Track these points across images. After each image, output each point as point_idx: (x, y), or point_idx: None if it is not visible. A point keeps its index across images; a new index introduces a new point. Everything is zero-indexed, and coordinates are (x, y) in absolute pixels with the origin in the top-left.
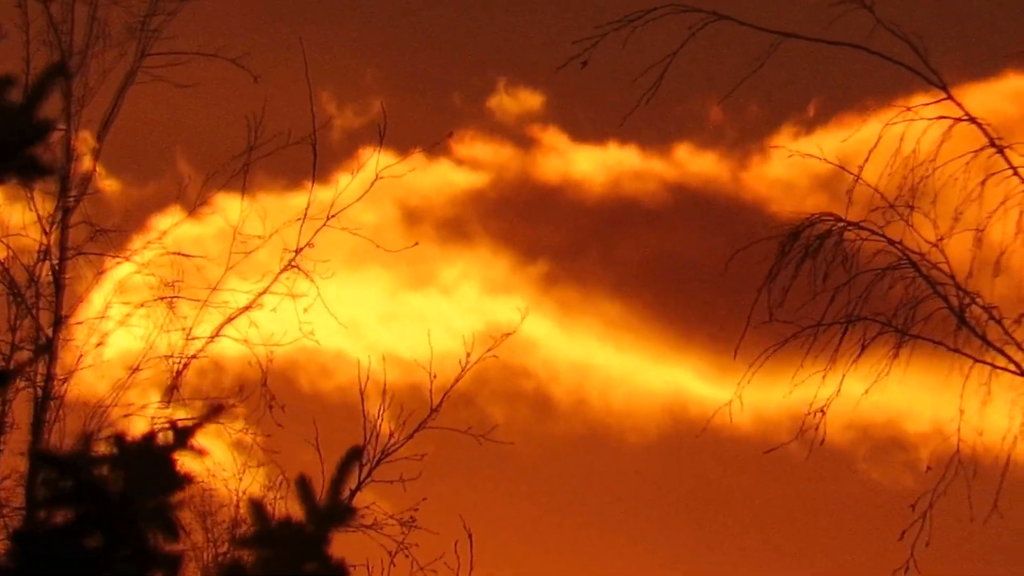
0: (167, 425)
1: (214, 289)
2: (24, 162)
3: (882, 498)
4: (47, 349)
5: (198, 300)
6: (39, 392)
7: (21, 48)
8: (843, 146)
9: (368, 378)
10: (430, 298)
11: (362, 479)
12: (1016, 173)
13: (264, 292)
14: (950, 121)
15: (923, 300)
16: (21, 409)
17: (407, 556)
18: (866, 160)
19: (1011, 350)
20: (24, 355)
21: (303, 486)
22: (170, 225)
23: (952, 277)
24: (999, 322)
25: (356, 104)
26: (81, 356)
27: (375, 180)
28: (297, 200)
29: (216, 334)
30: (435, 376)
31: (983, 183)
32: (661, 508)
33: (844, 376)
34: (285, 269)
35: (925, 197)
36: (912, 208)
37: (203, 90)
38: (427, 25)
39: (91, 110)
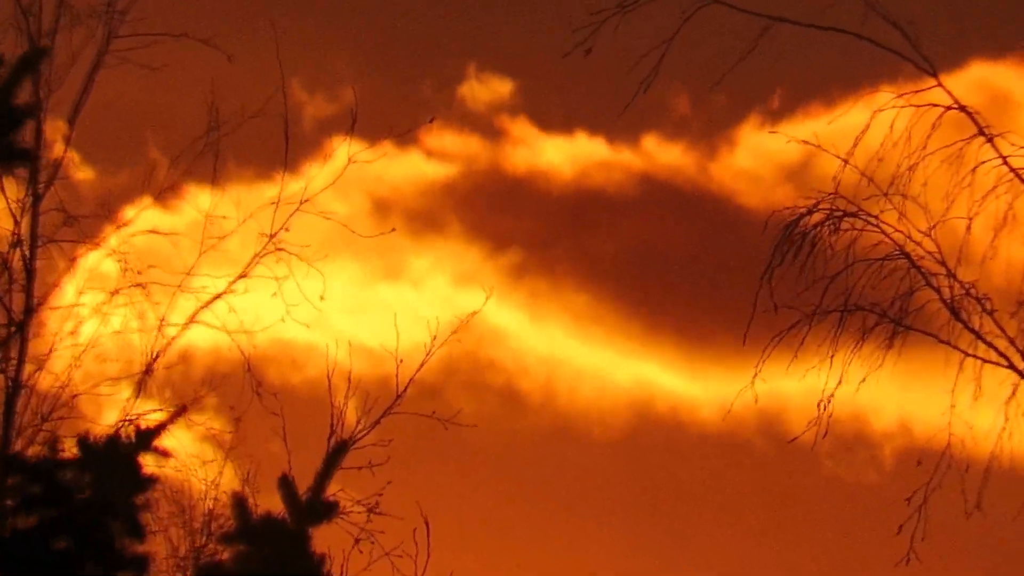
0: (133, 426)
1: (188, 274)
2: (12, 149)
3: (845, 492)
4: (18, 333)
5: (171, 286)
6: (9, 381)
7: None
8: (824, 133)
9: (335, 368)
10: (399, 288)
11: (326, 474)
12: (1005, 162)
13: (241, 276)
14: (940, 109)
15: (917, 291)
16: None
17: (372, 542)
18: (854, 146)
19: (1002, 344)
20: None
21: (286, 484)
22: (140, 210)
23: (945, 265)
24: (991, 315)
25: (326, 91)
26: (53, 344)
27: (347, 165)
28: (267, 189)
29: (191, 320)
30: (401, 361)
31: (973, 171)
32: (627, 501)
33: (847, 366)
34: (263, 253)
35: (914, 185)
36: (904, 196)
37: (173, 72)
38: (399, 12)
39: (60, 94)
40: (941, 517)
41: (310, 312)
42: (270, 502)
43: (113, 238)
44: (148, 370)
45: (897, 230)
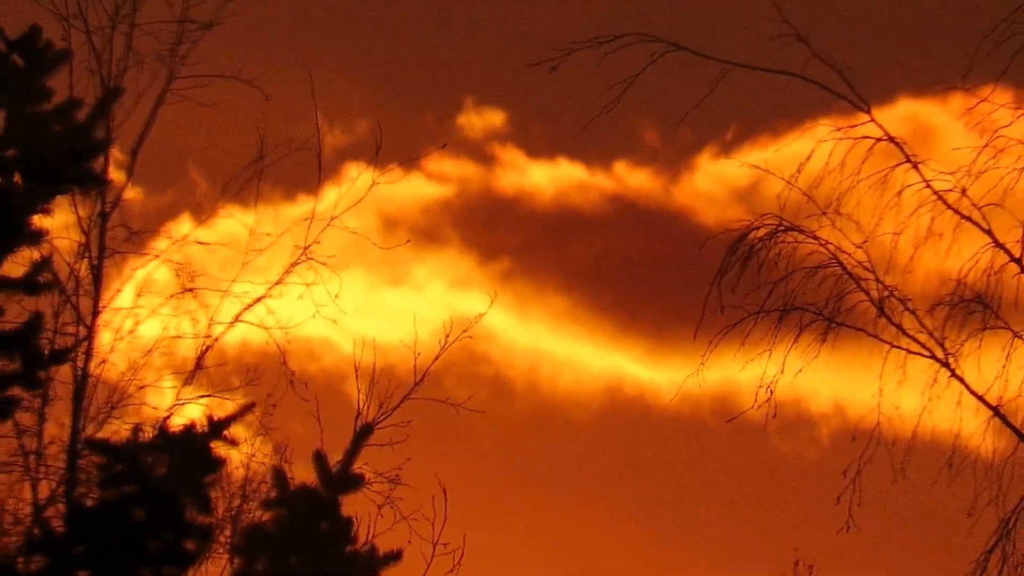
0: (206, 418)
1: (233, 281)
2: (83, 173)
3: (787, 467)
4: (87, 332)
5: (219, 291)
6: (79, 371)
7: (65, 74)
8: (771, 161)
9: (359, 360)
10: (404, 292)
11: (354, 451)
12: (928, 185)
13: (278, 283)
14: (872, 140)
15: (848, 293)
16: (61, 386)
17: (392, 508)
18: (797, 171)
19: (923, 337)
20: (67, 340)
21: (319, 459)
22: (193, 227)
23: (873, 272)
24: (913, 313)
25: (343, 123)
26: (115, 341)
27: (371, 187)
28: (294, 209)
29: (236, 320)
30: (419, 355)
31: (899, 194)
32: (601, 472)
33: (787, 357)
34: (297, 263)
35: (849, 205)
36: (840, 215)
37: (221, 108)
38: (406, 51)
39: (126, 126)
40: (873, 486)
41: (335, 312)
42: (300, 474)
43: (170, 251)
44: (198, 363)
45: (830, 243)
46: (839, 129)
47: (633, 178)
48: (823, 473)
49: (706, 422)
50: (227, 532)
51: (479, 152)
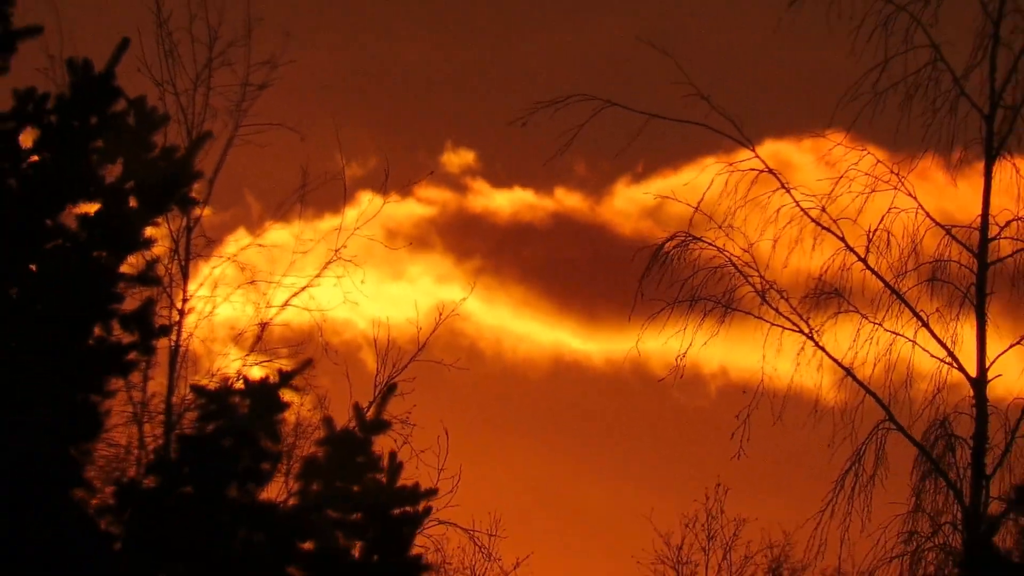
0: (277, 371)
1: (283, 276)
2: (180, 198)
3: (687, 414)
4: (179, 317)
5: (273, 283)
6: (172, 344)
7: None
8: (678, 189)
9: (377, 333)
10: (403, 286)
11: (383, 403)
12: (798, 205)
13: (317, 276)
14: (755, 172)
15: (739, 287)
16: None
17: (408, 444)
18: (701, 199)
19: (795, 318)
20: (163, 320)
21: (357, 408)
22: (254, 237)
23: (757, 271)
24: (787, 300)
25: (358, 158)
26: (199, 320)
27: (382, 206)
28: (326, 222)
29: (286, 304)
30: (420, 327)
31: (777, 211)
32: (549, 419)
33: (695, 334)
34: (330, 261)
35: (738, 220)
36: (732, 227)
37: (271, 148)
38: (401, 104)
39: (204, 162)
40: (759, 427)
41: (360, 298)
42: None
43: (235, 254)
44: (259, 337)
45: (725, 250)
46: (731, 164)
47: (569, 200)
48: (714, 418)
49: (627, 381)
50: (286, 463)
51: (456, 182)
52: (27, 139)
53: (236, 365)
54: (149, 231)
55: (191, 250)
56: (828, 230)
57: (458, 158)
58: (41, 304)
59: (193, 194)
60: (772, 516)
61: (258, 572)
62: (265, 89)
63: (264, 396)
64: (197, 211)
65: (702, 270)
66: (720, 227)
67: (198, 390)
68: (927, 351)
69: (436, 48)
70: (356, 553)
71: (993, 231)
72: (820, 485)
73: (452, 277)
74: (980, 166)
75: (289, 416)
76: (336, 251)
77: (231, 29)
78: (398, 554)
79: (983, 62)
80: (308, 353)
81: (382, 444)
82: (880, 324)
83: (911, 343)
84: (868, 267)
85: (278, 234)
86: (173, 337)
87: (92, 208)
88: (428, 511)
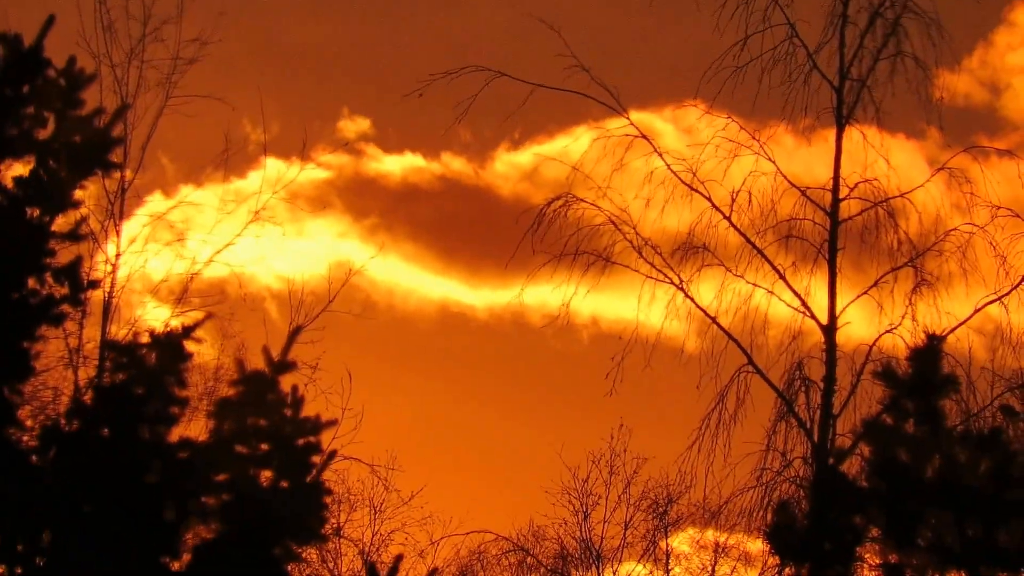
0: (181, 324)
1: (210, 233)
2: (108, 161)
3: (561, 357)
4: (111, 270)
5: (199, 240)
6: (106, 295)
7: (96, 94)
8: (558, 154)
9: (290, 286)
10: (306, 242)
11: (289, 344)
12: (669, 168)
13: (238, 235)
14: (631, 138)
15: (617, 242)
16: (94, 304)
17: (314, 384)
18: (581, 160)
19: (667, 271)
20: (97, 273)
21: (266, 351)
22: (183, 197)
23: (634, 228)
24: (660, 254)
25: (255, 125)
26: (130, 274)
27: (300, 172)
28: (248, 184)
29: (211, 260)
30: (332, 281)
31: (651, 173)
32: (436, 360)
33: (579, 285)
34: (251, 221)
35: (617, 181)
36: (610, 188)
37: (199, 118)
38: (305, 78)
39: (137, 131)
40: (630, 370)
41: (277, 255)
42: (253, 363)
43: (165, 213)
44: (185, 290)
45: (605, 209)
46: (608, 131)
47: (455, 164)
48: (588, 362)
49: (508, 330)
50: (204, 403)
51: (352, 147)
52: None
53: (163, 316)
54: (80, 193)
55: (123, 210)
56: (696, 191)
57: (354, 125)
58: None
59: (115, 158)
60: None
61: (174, 502)
62: (194, 63)
63: (169, 347)
64: (129, 174)
65: (585, 227)
66: (600, 188)
67: (111, 345)
68: (783, 301)
69: (336, 25)
70: (264, 482)
71: (843, 192)
72: (689, 420)
73: (349, 234)
74: (832, 133)
75: (209, 362)
76: (257, 212)
77: (164, 8)
78: (302, 480)
79: (833, 38)
80: (229, 305)
81: (293, 384)
82: (742, 276)
83: (769, 294)
84: (732, 224)
85: (203, 195)
86: (107, 289)
87: (26, 169)
88: (333, 454)
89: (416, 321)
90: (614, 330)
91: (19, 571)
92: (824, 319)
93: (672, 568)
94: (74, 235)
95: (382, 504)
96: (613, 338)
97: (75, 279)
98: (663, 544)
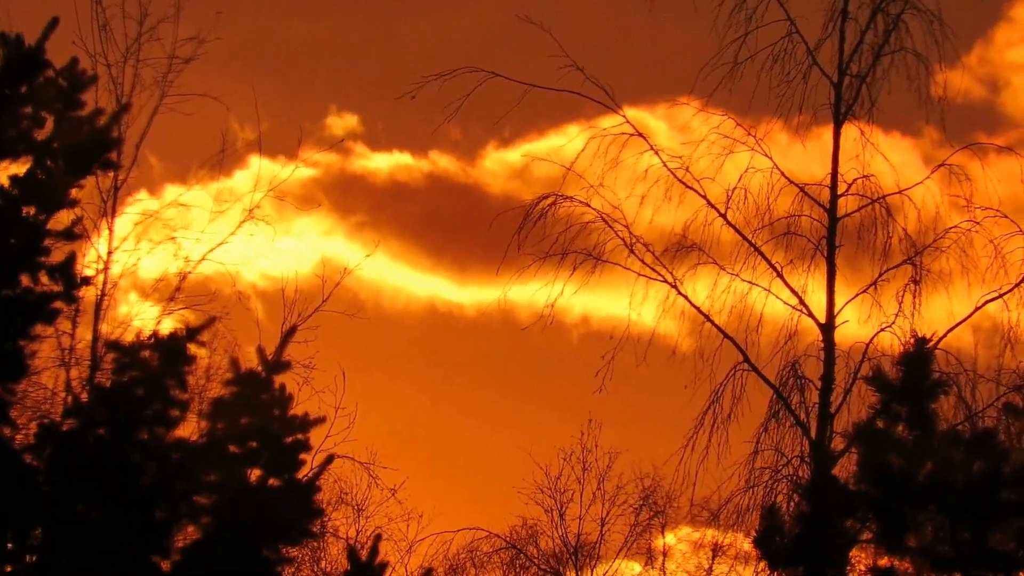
0: (185, 326)
1: (202, 232)
2: (103, 161)
3: (547, 356)
4: (104, 268)
5: (193, 238)
6: (99, 293)
7: (92, 94)
8: (548, 152)
9: (284, 286)
10: (294, 240)
11: (284, 344)
12: (664, 165)
13: (231, 234)
14: (626, 136)
15: (609, 240)
16: (87, 302)
17: (308, 384)
18: (576, 159)
19: (660, 269)
20: (91, 271)
21: (260, 351)
22: (176, 195)
23: (626, 226)
24: (653, 252)
25: (244, 123)
26: (123, 271)
27: (293, 171)
28: (241, 184)
29: (204, 258)
30: (325, 280)
31: (645, 171)
32: (424, 357)
33: (566, 283)
34: (245, 220)
35: (611, 180)
36: (603, 186)
37: (195, 117)
38: (296, 77)
39: (132, 129)
40: (622, 368)
41: (270, 254)
42: (246, 362)
43: (159, 211)
44: (178, 288)
45: (596, 208)
46: (603, 129)
47: (443, 162)
48: (576, 361)
49: (495, 329)
50: (197, 404)
51: (339, 144)
52: None
53: (155, 314)
54: (75, 192)
55: (117, 208)
56: (691, 188)
57: (342, 122)
58: None
59: (113, 158)
60: (643, 450)
61: (166, 502)
62: (190, 63)
63: (172, 350)
64: (123, 173)
65: (574, 225)
66: (593, 187)
67: (112, 345)
68: (780, 299)
69: (324, 22)
70: (254, 480)
71: (841, 188)
72: (683, 420)
73: (336, 232)
74: (830, 129)
75: (202, 362)
76: (251, 210)
77: (161, 7)
78: (292, 478)
79: (833, 34)
80: (220, 303)
81: (281, 382)
82: (737, 275)
83: (766, 292)
84: (728, 222)
85: (195, 194)
86: (99, 288)
87: (22, 169)
88: (331, 458)
89: (404, 319)
90: (604, 329)
91: (8, 569)
92: (822, 317)
93: (667, 567)
94: (69, 233)
95: (365, 501)
96: (604, 337)
97: (69, 276)
98: (658, 543)
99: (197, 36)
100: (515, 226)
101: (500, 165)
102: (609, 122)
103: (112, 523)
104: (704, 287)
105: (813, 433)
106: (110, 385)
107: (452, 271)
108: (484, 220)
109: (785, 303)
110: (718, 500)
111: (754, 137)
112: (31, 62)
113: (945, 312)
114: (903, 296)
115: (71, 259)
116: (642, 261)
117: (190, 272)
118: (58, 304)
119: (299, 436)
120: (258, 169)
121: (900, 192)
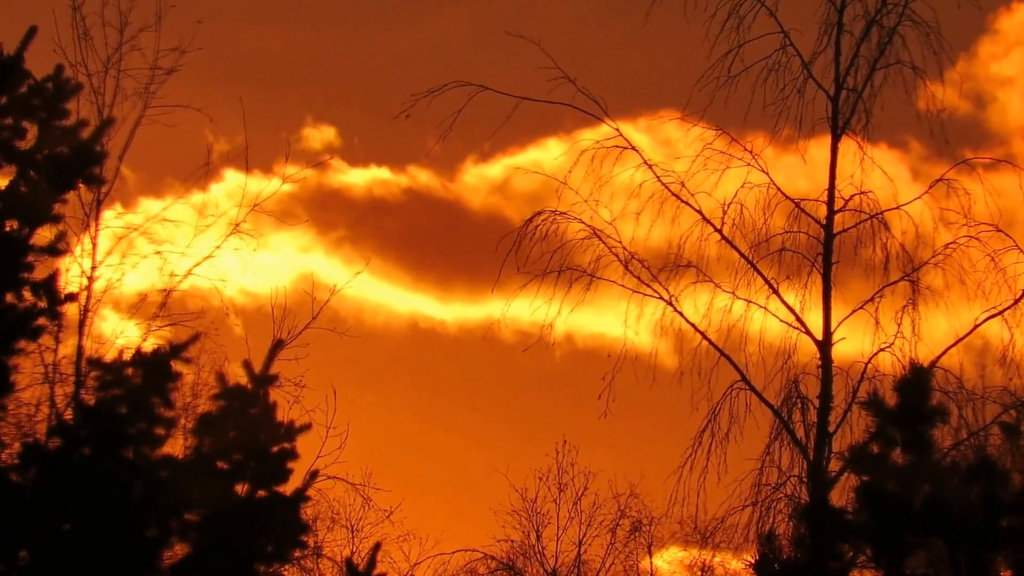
0: (169, 343)
1: (188, 246)
2: (87, 176)
3: (530, 375)
4: (88, 283)
5: (177, 253)
6: (82, 309)
7: (74, 103)
8: (531, 166)
9: (274, 300)
10: (273, 256)
11: (271, 359)
12: (659, 180)
13: (217, 248)
14: (619, 149)
15: (603, 256)
16: (70, 318)
17: (299, 403)
18: (569, 172)
19: (656, 286)
20: (71, 289)
21: (247, 365)
22: (163, 207)
23: (620, 242)
24: (648, 269)
25: (218, 135)
26: (107, 287)
27: (280, 186)
28: (227, 199)
29: (189, 273)
30: (314, 297)
31: (640, 186)
32: (406, 374)
33: (562, 303)
34: (230, 234)
35: (604, 195)
36: (598, 202)
37: (178, 128)
38: (276, 92)
39: (114, 141)
40: (622, 388)
41: (255, 269)
42: (233, 378)
43: (143, 225)
44: (163, 304)
45: (589, 224)
46: (596, 142)
47: (422, 176)
48: (558, 381)
49: (479, 346)
50: (184, 420)
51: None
52: None
53: (140, 330)
54: (59, 207)
55: (100, 222)
56: (687, 204)
57: (319, 134)
58: None
59: (97, 172)
60: (618, 469)
61: (154, 520)
62: (172, 74)
63: (156, 367)
64: (106, 187)
65: (569, 242)
66: (584, 202)
67: (95, 363)
68: (777, 316)
69: (300, 34)
70: (241, 492)
71: (838, 204)
72: (682, 439)
73: (314, 248)
74: (822, 144)
75: (187, 378)
76: (237, 225)
77: (142, 15)
78: (279, 490)
79: (828, 48)
80: (207, 319)
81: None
82: (733, 292)
83: (762, 309)
84: (724, 237)
85: (179, 208)
86: (82, 303)
87: (4, 181)
88: (315, 474)
89: (386, 337)
90: (589, 347)
91: None
92: (819, 334)
93: None
94: (53, 249)
95: (359, 522)
96: (588, 355)
97: (52, 292)
98: (645, 563)
99: (179, 47)
100: (507, 244)
101: (480, 180)
102: (595, 135)
103: (100, 541)
104: (701, 304)
105: (811, 453)
106: (94, 403)
107: (434, 288)
108: (465, 236)
109: (782, 320)
110: (713, 519)
111: (750, 152)
112: (10, 71)
113: (943, 329)
114: (901, 318)
115: (54, 275)
116: (638, 278)
117: (174, 288)
118: (42, 320)
119: (285, 445)
120: (244, 183)
121: (898, 207)
